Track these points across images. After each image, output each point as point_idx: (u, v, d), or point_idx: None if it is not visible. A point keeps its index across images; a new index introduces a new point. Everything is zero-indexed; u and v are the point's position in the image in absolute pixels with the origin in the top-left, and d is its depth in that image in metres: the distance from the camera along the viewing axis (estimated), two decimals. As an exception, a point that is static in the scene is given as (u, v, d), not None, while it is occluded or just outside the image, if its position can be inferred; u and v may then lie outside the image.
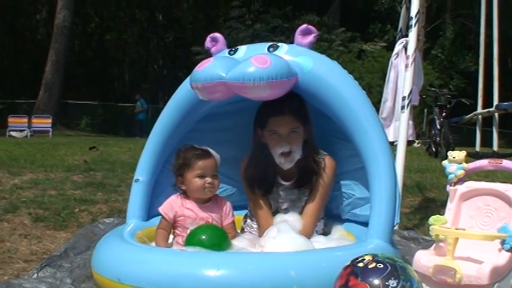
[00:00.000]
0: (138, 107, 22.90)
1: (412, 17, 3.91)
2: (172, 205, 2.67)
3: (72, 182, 5.61)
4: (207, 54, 2.80)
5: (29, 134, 19.69)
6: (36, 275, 2.57)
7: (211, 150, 2.69)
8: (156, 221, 2.81)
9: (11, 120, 20.23)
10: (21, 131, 19.85)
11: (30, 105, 23.26)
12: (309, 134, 2.77)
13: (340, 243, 2.58)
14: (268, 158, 2.77)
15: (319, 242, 2.63)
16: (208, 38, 2.86)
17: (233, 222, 2.76)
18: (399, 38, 4.56)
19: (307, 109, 2.76)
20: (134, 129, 22.19)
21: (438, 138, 9.97)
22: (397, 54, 4.33)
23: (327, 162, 2.80)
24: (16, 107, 24.58)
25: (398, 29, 4.94)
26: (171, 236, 2.72)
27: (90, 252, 2.70)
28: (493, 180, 2.46)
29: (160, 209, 2.68)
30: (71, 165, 7.23)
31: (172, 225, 2.68)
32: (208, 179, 2.63)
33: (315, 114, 2.80)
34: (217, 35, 2.85)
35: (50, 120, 20.48)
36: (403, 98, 3.84)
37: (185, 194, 2.70)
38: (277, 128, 2.68)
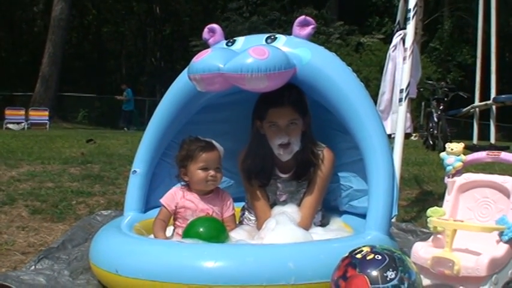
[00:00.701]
0: (125, 96, 22.40)
1: (410, 10, 3.91)
2: (174, 196, 2.67)
3: (69, 175, 5.61)
4: (205, 47, 2.78)
5: (26, 126, 19.67)
6: (33, 267, 2.56)
7: (215, 143, 2.69)
8: (153, 213, 2.80)
9: (8, 112, 20.20)
10: (18, 123, 19.83)
11: (27, 98, 23.20)
12: (307, 125, 2.76)
13: (338, 235, 2.58)
14: (266, 149, 2.76)
15: (318, 233, 2.63)
16: (205, 29, 2.84)
17: (233, 215, 2.76)
18: (397, 31, 4.54)
19: (306, 101, 2.75)
20: (121, 121, 22.19)
21: (436, 131, 9.99)
22: (395, 46, 4.32)
23: (326, 154, 2.79)
24: (13, 99, 24.54)
25: (396, 22, 4.93)
26: (171, 228, 2.72)
27: (88, 244, 2.70)
28: (490, 173, 2.45)
29: (162, 200, 2.67)
30: (68, 157, 7.23)
31: (172, 216, 2.67)
32: (212, 172, 2.62)
33: (313, 106, 2.79)
34: (214, 26, 2.83)
35: (47, 113, 20.45)
36: (401, 91, 3.83)
37: (187, 186, 2.69)
38: (276, 120, 2.67)
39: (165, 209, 2.65)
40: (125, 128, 21.16)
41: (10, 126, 19.40)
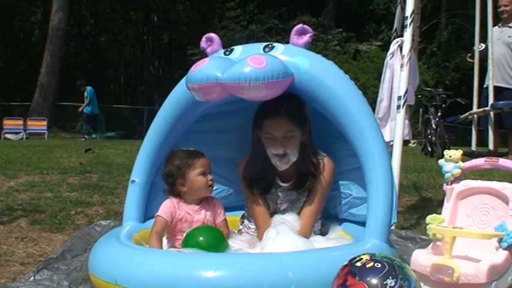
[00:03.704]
0: (86, 98, 17.81)
1: (407, 17, 3.91)
2: (171, 208, 2.63)
3: (68, 184, 5.60)
4: (203, 56, 2.79)
5: (24, 136, 19.61)
6: (33, 277, 2.56)
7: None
8: (152, 223, 2.79)
9: (6, 122, 20.14)
10: (16, 133, 19.76)
11: (26, 108, 23.18)
12: (307, 136, 2.76)
13: (337, 243, 2.58)
14: (266, 158, 2.76)
15: (318, 241, 2.63)
16: (203, 39, 2.84)
17: (225, 219, 2.75)
18: (394, 38, 4.55)
19: (305, 111, 2.75)
20: (83, 127, 18.49)
21: (434, 138, 9.98)
22: (393, 54, 4.33)
23: (326, 163, 2.79)
24: (11, 109, 24.50)
25: (394, 29, 4.94)
26: (165, 241, 2.69)
27: (87, 255, 2.69)
28: (489, 179, 2.45)
29: (161, 213, 2.60)
30: (66, 167, 7.21)
31: (168, 229, 2.65)
32: (210, 176, 2.64)
33: (311, 114, 2.80)
34: (212, 35, 2.84)
35: (45, 123, 20.40)
36: (399, 98, 3.84)
37: (178, 198, 2.67)
38: (272, 131, 2.67)
39: (164, 221, 2.59)
40: (86, 136, 17.59)
41: (8, 136, 19.35)
